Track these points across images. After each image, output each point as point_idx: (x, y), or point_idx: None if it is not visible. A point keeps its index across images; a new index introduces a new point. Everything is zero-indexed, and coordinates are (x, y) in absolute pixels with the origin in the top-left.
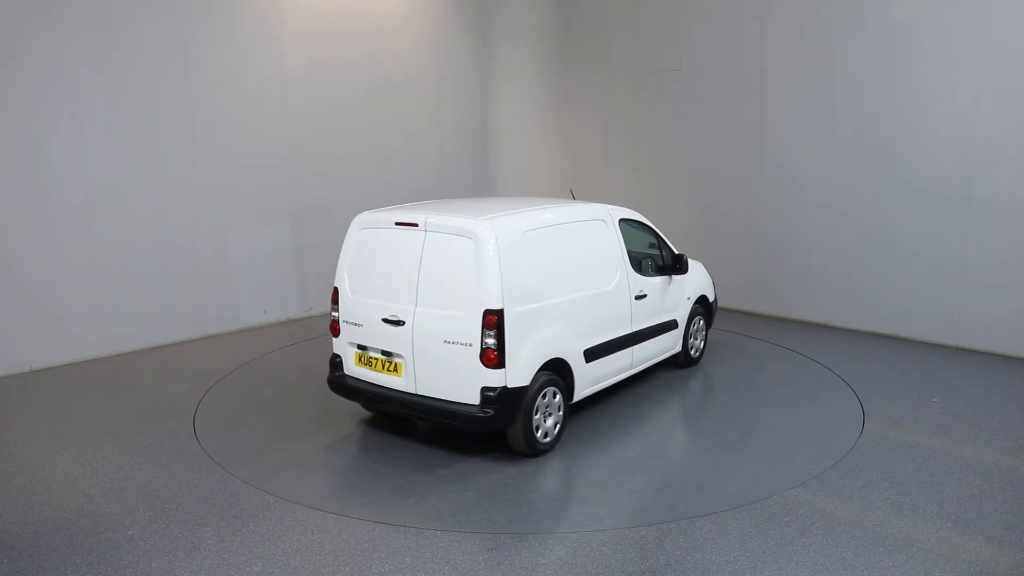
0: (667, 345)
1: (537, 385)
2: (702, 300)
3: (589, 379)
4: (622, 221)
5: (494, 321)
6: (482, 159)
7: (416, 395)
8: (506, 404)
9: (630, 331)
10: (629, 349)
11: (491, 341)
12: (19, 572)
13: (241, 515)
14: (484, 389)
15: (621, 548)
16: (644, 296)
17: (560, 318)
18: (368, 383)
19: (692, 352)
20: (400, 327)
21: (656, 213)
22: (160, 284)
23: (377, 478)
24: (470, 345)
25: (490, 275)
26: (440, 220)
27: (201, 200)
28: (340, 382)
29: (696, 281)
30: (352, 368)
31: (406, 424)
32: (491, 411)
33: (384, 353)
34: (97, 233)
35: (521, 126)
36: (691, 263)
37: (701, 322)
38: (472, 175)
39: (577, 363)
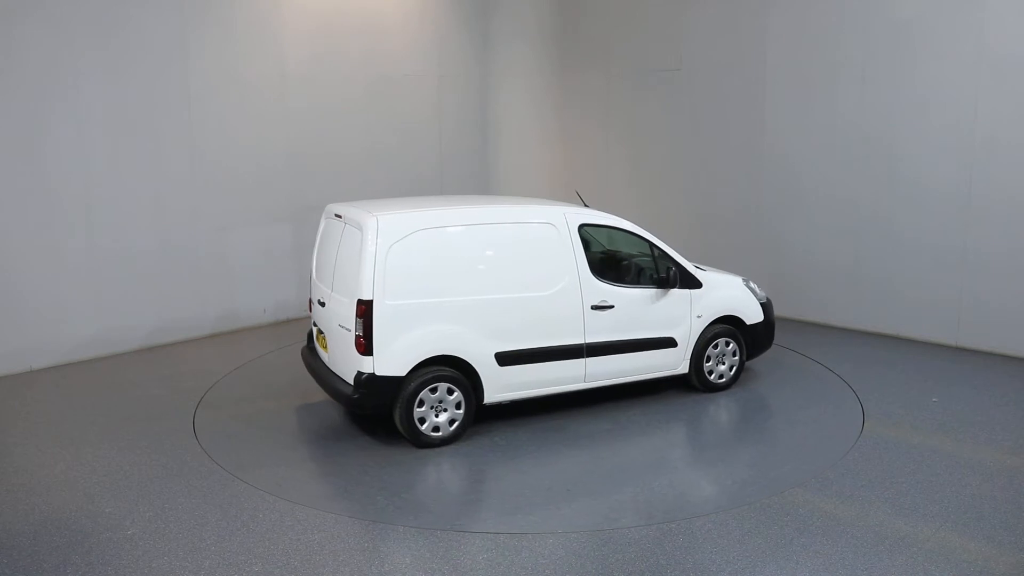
0: (655, 363)
1: (421, 379)
2: (733, 320)
3: (505, 384)
4: (585, 227)
5: (363, 311)
6: (482, 158)
7: (330, 371)
8: (373, 390)
9: (582, 342)
10: (580, 360)
11: (360, 330)
12: (19, 572)
13: (241, 515)
14: (357, 373)
15: (621, 548)
16: (609, 307)
17: (458, 317)
18: (318, 357)
19: (711, 376)
20: (324, 308)
21: (655, 212)
22: (160, 284)
23: (378, 478)
24: (350, 331)
25: (365, 267)
26: (350, 213)
27: (201, 199)
28: (309, 354)
29: (718, 299)
30: (315, 342)
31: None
32: (358, 395)
33: (320, 332)
34: (97, 232)
35: (521, 125)
36: (718, 278)
37: (732, 346)
38: (472, 174)
39: (485, 365)
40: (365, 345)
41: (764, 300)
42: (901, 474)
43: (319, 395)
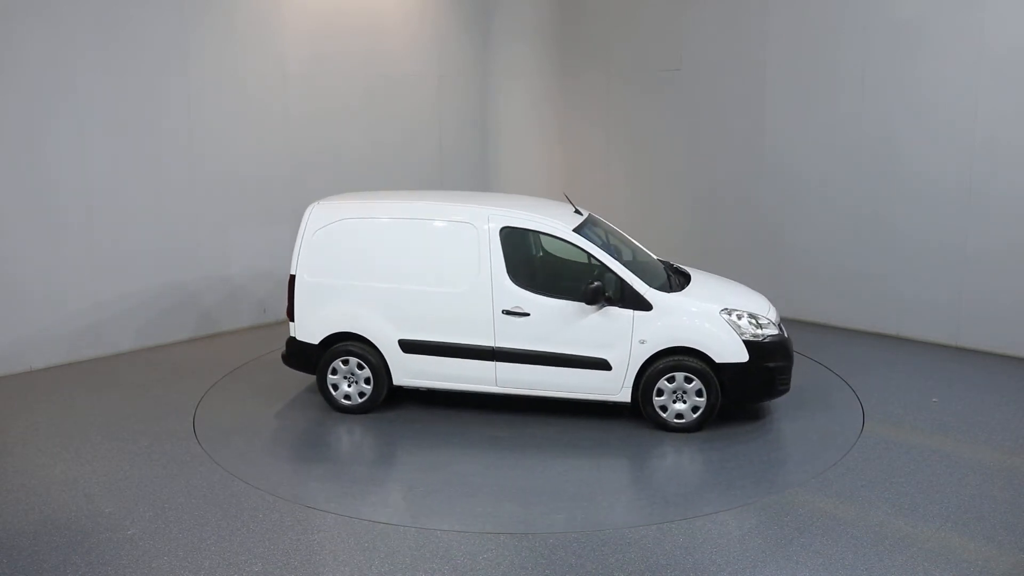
0: (583, 384)
1: (333, 350)
2: (702, 357)
3: (411, 370)
4: (509, 230)
5: (289, 283)
6: (481, 158)
7: None
8: (293, 351)
9: (490, 345)
10: (489, 363)
11: (288, 299)
12: (19, 572)
13: (241, 515)
14: (288, 336)
15: (621, 548)
16: (524, 314)
17: (366, 301)
18: None
19: (665, 413)
20: None
21: (655, 212)
22: (160, 284)
23: (380, 478)
24: None
25: (296, 246)
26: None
27: (201, 199)
28: None
29: (670, 326)
30: None
31: (403, 421)
32: (285, 352)
33: None
34: (97, 233)
35: (521, 125)
36: (680, 303)
37: (696, 385)
38: (472, 173)
39: (389, 349)
40: (289, 312)
41: (759, 338)
42: (901, 474)
43: (319, 395)
